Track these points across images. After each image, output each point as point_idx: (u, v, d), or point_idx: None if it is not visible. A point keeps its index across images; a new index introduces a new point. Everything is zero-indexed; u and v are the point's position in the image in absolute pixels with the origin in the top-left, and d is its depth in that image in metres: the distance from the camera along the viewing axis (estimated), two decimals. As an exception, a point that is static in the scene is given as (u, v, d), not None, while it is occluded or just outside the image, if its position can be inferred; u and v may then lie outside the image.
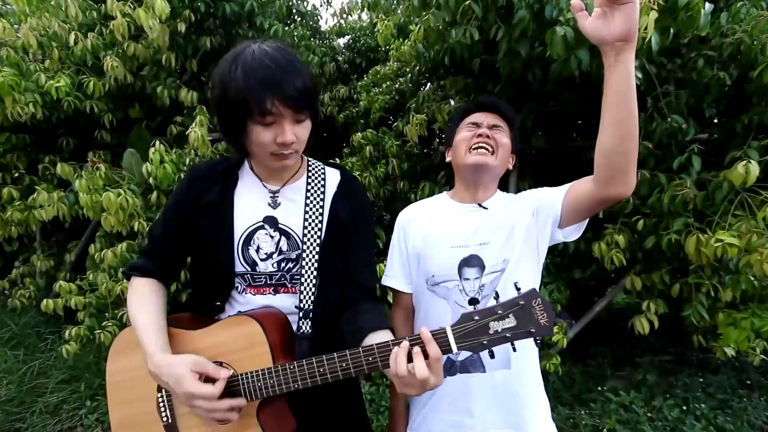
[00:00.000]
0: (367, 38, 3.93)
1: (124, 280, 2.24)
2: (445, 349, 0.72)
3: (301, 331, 0.88)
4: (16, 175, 2.94)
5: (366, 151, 2.72)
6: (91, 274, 2.52)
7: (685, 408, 2.22)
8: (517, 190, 2.43)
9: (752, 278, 1.65)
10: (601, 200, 0.90)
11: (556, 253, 2.32)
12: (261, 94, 0.75)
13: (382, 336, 0.81)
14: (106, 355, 2.56)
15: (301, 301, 0.90)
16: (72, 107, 2.39)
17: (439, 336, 0.72)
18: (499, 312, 0.72)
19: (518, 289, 0.75)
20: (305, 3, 3.79)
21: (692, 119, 1.79)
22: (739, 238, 1.46)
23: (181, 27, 2.52)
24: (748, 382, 2.48)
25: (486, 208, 1.06)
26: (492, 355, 0.75)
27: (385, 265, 1.14)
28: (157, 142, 2.42)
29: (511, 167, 1.12)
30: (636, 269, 2.08)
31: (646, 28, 1.22)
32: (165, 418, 0.85)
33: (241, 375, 0.79)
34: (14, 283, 3.36)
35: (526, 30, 1.56)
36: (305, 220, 0.91)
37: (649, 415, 2.16)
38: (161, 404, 0.86)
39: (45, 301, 2.30)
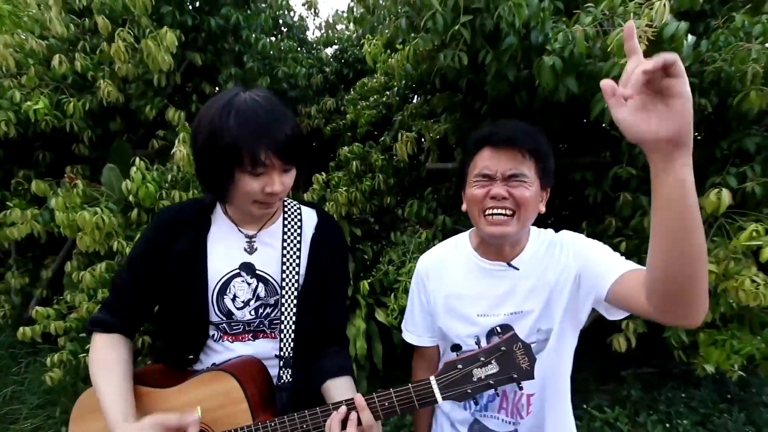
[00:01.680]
0: (354, 49, 3.92)
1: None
2: (430, 399, 0.72)
3: (282, 381, 0.86)
4: (-12, 190, 2.83)
5: (353, 166, 2.71)
6: (69, 294, 2.44)
7: (668, 425, 2.25)
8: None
9: (731, 301, 1.68)
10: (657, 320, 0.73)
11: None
12: (255, 145, 0.74)
13: (338, 384, 0.84)
14: (83, 376, 2.44)
15: (281, 349, 0.87)
16: (50, 126, 2.31)
17: (424, 387, 0.73)
18: (482, 359, 0.72)
19: (498, 334, 0.75)
20: (292, 14, 3.76)
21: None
22: (717, 264, 1.48)
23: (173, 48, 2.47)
24: (728, 396, 2.53)
25: (517, 269, 0.90)
26: (476, 403, 0.74)
27: (368, 282, 1.09)
28: (138, 159, 2.36)
29: (543, 209, 0.91)
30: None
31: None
32: None
33: None
34: (-12, 300, 3.24)
35: (514, 56, 1.56)
36: (283, 264, 0.89)
37: (632, 431, 2.18)
38: None
39: (21, 329, 2.21)
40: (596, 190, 2.06)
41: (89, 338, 0.88)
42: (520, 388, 0.74)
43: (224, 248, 0.89)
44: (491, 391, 0.77)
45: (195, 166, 0.84)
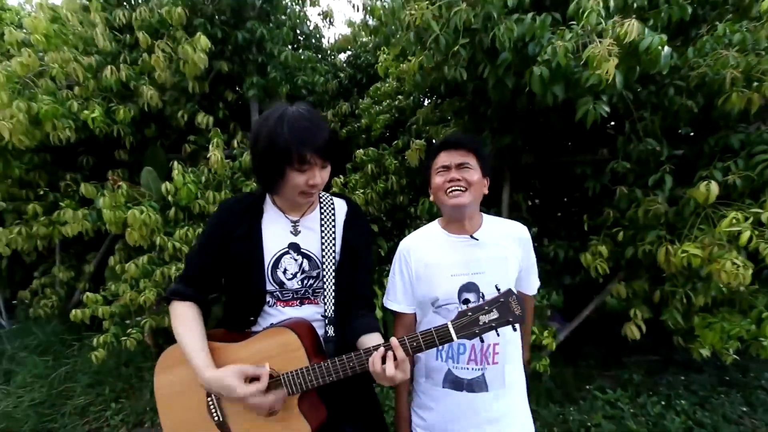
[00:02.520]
0: (367, 55, 4.12)
1: (146, 292, 2.42)
2: (448, 338, 0.92)
3: (328, 335, 1.08)
4: (40, 192, 3.12)
5: (368, 169, 2.91)
6: (113, 285, 2.70)
7: (666, 404, 2.39)
8: (511, 202, 2.63)
9: (721, 286, 1.83)
10: None
11: (547, 261, 2.50)
12: (302, 147, 0.97)
13: (371, 337, 1.02)
14: (126, 360, 2.72)
15: (325, 311, 1.09)
16: (103, 132, 2.58)
17: (443, 329, 0.93)
18: (486, 308, 0.94)
19: (498, 290, 0.96)
20: (308, 23, 3.98)
21: (665, 140, 1.97)
22: (703, 249, 1.64)
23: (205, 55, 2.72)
24: (727, 379, 2.66)
25: (477, 239, 1.17)
26: (482, 340, 0.96)
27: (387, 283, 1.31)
28: (176, 163, 2.61)
29: (486, 191, 1.22)
30: (620, 276, 2.26)
31: (608, 72, 1.41)
32: (216, 417, 1.03)
33: (283, 375, 0.97)
34: (35, 293, 3.54)
35: (511, 66, 1.74)
36: (322, 245, 1.10)
37: (632, 411, 2.34)
38: (211, 406, 1.04)
39: (74, 311, 2.48)
40: (595, 182, 2.22)
41: (167, 306, 1.09)
42: (515, 329, 0.94)
43: (275, 231, 1.09)
44: (463, 344, 1.11)
45: (253, 166, 1.06)
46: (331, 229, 1.12)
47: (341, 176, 2.97)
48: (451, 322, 0.93)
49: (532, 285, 1.28)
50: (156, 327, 2.61)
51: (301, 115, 0.99)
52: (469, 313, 0.93)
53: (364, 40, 4.08)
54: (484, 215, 1.26)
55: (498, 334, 0.96)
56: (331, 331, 1.08)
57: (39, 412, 2.41)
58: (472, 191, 1.14)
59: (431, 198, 1.23)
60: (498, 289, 0.95)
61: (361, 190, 2.79)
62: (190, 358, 0.98)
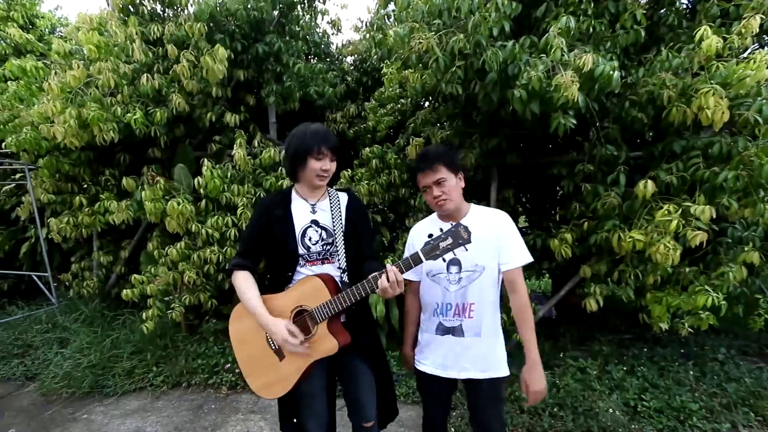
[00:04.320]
0: (372, 60, 4.47)
1: (187, 272, 2.83)
2: (418, 261, 1.29)
3: (343, 280, 1.49)
4: (84, 186, 3.54)
5: (372, 164, 3.29)
6: (152, 268, 3.12)
7: (629, 371, 2.79)
8: (499, 198, 3.01)
9: (665, 266, 2.21)
10: None
11: (528, 249, 2.88)
12: (319, 144, 1.42)
13: (373, 273, 1.42)
14: (160, 333, 3.16)
15: (340, 265, 1.51)
16: (142, 132, 2.98)
17: (414, 255, 1.29)
18: (443, 237, 1.28)
19: (451, 224, 1.30)
20: (318, 31, 4.33)
21: (625, 145, 2.34)
22: (645, 235, 2.02)
23: (225, 65, 3.10)
24: (685, 352, 3.05)
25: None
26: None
27: (392, 260, 1.70)
28: (206, 160, 3.01)
29: (463, 184, 1.51)
30: (591, 261, 2.64)
31: (573, 94, 1.78)
32: (273, 347, 1.45)
33: (314, 308, 1.38)
34: (75, 276, 3.98)
35: (497, 83, 2.12)
36: (332, 221, 1.52)
37: (598, 375, 2.73)
38: (269, 341, 1.46)
39: (125, 291, 2.91)
40: (569, 182, 2.60)
41: (229, 276, 1.51)
42: (467, 249, 1.28)
43: (300, 212, 1.50)
44: (449, 303, 1.46)
45: (286, 161, 1.50)
46: (338, 210, 1.54)
47: (349, 170, 3.36)
48: (420, 249, 1.29)
49: (512, 258, 1.44)
50: (189, 304, 3.03)
51: (318, 127, 1.46)
52: (432, 242, 1.29)
53: (357, 35, 4.41)
54: (472, 205, 1.59)
55: (454, 254, 1.31)
56: (345, 278, 1.50)
57: (95, 372, 2.84)
58: (454, 196, 1.47)
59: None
60: (451, 224, 1.29)
61: (366, 182, 3.18)
62: (253, 309, 1.40)
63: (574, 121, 2.00)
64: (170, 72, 3.07)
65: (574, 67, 1.80)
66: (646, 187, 2.00)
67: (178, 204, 2.81)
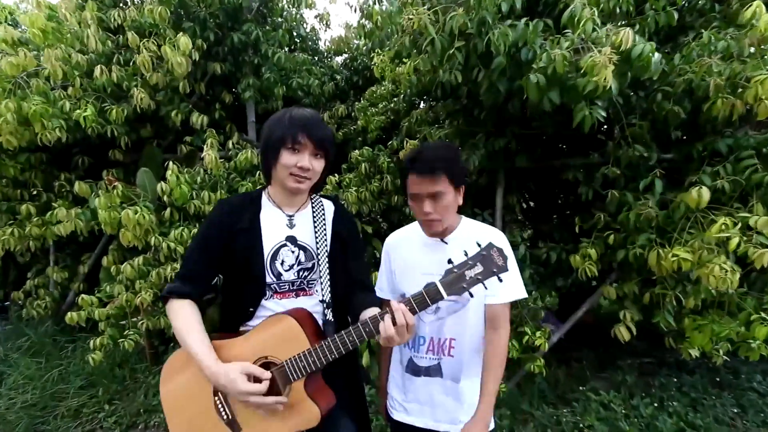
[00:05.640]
0: (363, 58, 4.14)
1: (142, 293, 2.41)
2: (439, 297, 0.94)
3: (326, 318, 1.12)
4: (34, 192, 3.12)
5: (362, 168, 2.92)
6: (107, 286, 2.69)
7: (659, 406, 2.42)
8: (505, 204, 2.65)
9: (710, 288, 1.85)
10: None
11: (540, 263, 2.52)
12: (296, 129, 1.05)
13: (369, 311, 1.05)
14: (120, 361, 2.70)
15: (323, 296, 1.13)
16: (95, 132, 2.58)
17: (432, 289, 0.94)
18: (470, 263, 0.95)
19: (479, 245, 0.97)
20: (305, 26, 4.00)
21: (654, 145, 2.00)
22: (693, 253, 1.66)
23: (196, 56, 2.72)
24: (719, 380, 2.68)
25: (446, 243, 1.21)
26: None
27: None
28: (171, 163, 2.61)
29: (461, 201, 1.19)
30: (612, 278, 2.28)
31: (606, 79, 1.43)
32: (225, 416, 1.04)
33: (286, 361, 0.99)
34: (29, 294, 3.52)
35: (505, 70, 1.76)
36: (315, 238, 1.15)
37: (625, 412, 2.35)
38: (219, 406, 1.05)
39: (69, 314, 2.47)
40: (587, 188, 2.25)
41: (164, 304, 1.10)
42: (500, 281, 0.95)
43: (272, 224, 1.14)
44: (423, 336, 1.19)
45: (260, 155, 1.14)
46: (322, 223, 1.18)
47: (336, 175, 2.99)
48: (440, 280, 0.95)
49: (501, 289, 1.14)
50: (153, 328, 2.61)
51: (305, 111, 1.10)
52: (455, 270, 0.94)
53: (359, 42, 4.11)
54: (464, 218, 1.27)
55: (485, 287, 0.96)
56: (329, 315, 1.12)
57: (31, 414, 2.40)
58: (448, 215, 1.16)
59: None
60: (479, 245, 0.96)
61: (355, 189, 2.81)
62: (194, 353, 1.00)
63: (604, 114, 1.65)
64: (131, 64, 2.68)
65: (611, 43, 1.45)
66: (700, 194, 1.64)
67: (135, 213, 2.40)
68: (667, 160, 2.15)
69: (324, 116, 3.65)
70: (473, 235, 1.21)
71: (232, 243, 1.10)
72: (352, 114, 3.71)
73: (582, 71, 1.49)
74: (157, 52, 2.53)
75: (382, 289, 1.33)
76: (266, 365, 1.01)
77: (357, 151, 3.04)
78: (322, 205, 1.22)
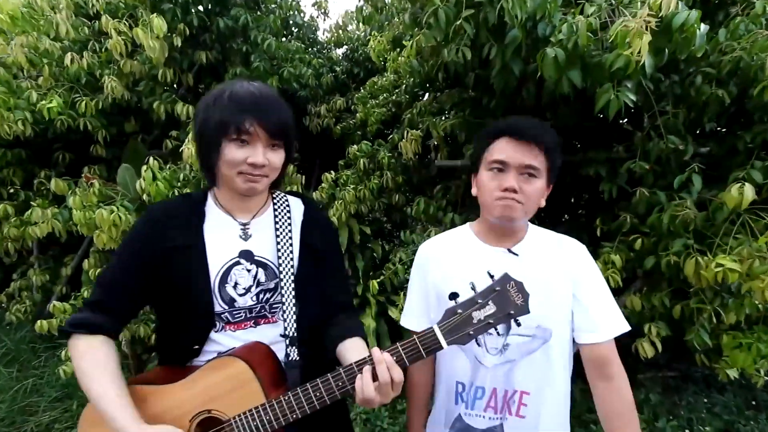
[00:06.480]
0: (364, 48, 3.92)
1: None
2: (436, 346, 0.74)
3: (290, 358, 0.87)
4: (12, 190, 2.94)
5: (360, 164, 2.70)
6: (86, 291, 2.51)
7: (689, 430, 2.16)
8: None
9: (756, 302, 1.59)
10: None
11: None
12: (242, 115, 0.80)
13: (350, 345, 0.86)
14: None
15: (285, 329, 0.89)
16: (65, 125, 2.38)
17: (428, 335, 0.74)
18: (480, 301, 0.74)
19: (491, 276, 0.76)
20: (302, 15, 3.78)
21: (690, 136, 1.74)
22: (741, 262, 1.41)
23: (177, 41, 2.51)
24: (754, 402, 2.41)
25: (516, 255, 0.93)
26: (478, 344, 0.78)
27: (378, 282, 1.11)
28: (151, 159, 2.41)
29: (543, 203, 0.96)
30: (636, 286, 2.03)
31: (639, 52, 1.18)
32: None
33: (234, 419, 0.77)
34: (12, 297, 3.36)
35: (519, 48, 1.52)
36: (278, 250, 0.90)
37: (651, 439, 2.10)
38: None
39: (39, 322, 2.29)
40: (611, 185, 1.99)
41: (66, 340, 0.84)
42: (518, 324, 0.75)
43: (221, 238, 0.90)
44: (482, 387, 0.89)
45: (196, 148, 0.89)
46: (287, 230, 0.93)
47: (332, 172, 2.77)
48: (438, 324, 0.74)
49: (602, 323, 0.89)
50: (136, 336, 2.42)
51: (251, 86, 0.84)
52: (459, 311, 0.74)
53: (357, 31, 3.89)
54: (531, 226, 1.01)
55: (498, 333, 0.79)
56: (294, 354, 0.87)
57: (-2, 430, 2.22)
58: (527, 207, 0.90)
59: (474, 191, 0.99)
60: (491, 275, 0.75)
61: (352, 187, 2.58)
62: (105, 412, 0.76)
63: (633, 97, 1.40)
64: (104, 50, 2.47)
65: (649, 4, 1.20)
66: (742, 192, 1.38)
67: (111, 212, 2.20)
68: (700, 155, 1.89)
69: (321, 109, 3.44)
70: (548, 248, 0.96)
71: (166, 265, 0.85)
72: (352, 107, 3.49)
73: (610, 42, 1.23)
74: (128, 35, 2.32)
75: (412, 316, 1.03)
76: (208, 423, 0.78)
77: (355, 146, 2.82)
78: (288, 206, 0.97)
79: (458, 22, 1.43)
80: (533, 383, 0.90)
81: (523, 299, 0.74)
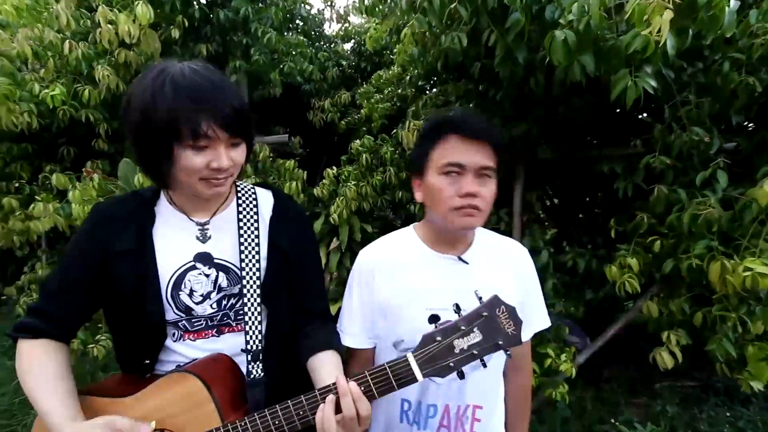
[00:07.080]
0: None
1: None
2: (410, 378, 0.65)
3: (252, 376, 0.79)
4: (17, 185, 2.97)
5: (363, 160, 2.62)
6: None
7: (709, 445, 2.01)
8: (523, 202, 2.28)
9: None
10: None
11: (565, 271, 2.15)
12: (195, 115, 0.67)
13: (323, 358, 0.79)
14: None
15: (247, 342, 0.80)
16: (68, 116, 2.37)
17: (402, 365, 0.65)
18: (463, 328, 0.65)
19: (480, 298, 0.67)
20: (307, 7, 3.72)
21: (716, 129, 1.60)
22: (771, 267, 1.27)
23: (175, 33, 2.47)
24: (782, 415, 2.24)
25: (467, 263, 0.88)
26: (462, 376, 0.67)
27: None
28: (150, 153, 2.38)
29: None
30: (653, 291, 1.89)
31: (659, 31, 1.06)
32: None
33: None
34: (21, 290, 3.40)
35: (523, 33, 1.41)
36: (241, 251, 0.81)
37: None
38: None
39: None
40: (627, 183, 1.86)
41: (14, 345, 0.78)
42: (509, 356, 0.67)
43: (173, 241, 0.81)
44: (434, 405, 0.82)
45: (132, 149, 0.76)
46: (252, 229, 0.83)
47: (334, 168, 2.70)
48: (413, 353, 0.65)
49: (536, 319, 0.95)
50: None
51: (194, 71, 0.70)
52: (438, 338, 0.64)
53: (356, 20, 3.80)
54: (479, 229, 0.94)
55: (484, 365, 0.70)
56: (257, 371, 0.79)
57: (-3, 423, 2.22)
58: (486, 209, 0.83)
59: (417, 196, 0.90)
60: (479, 297, 0.66)
61: (354, 182, 2.50)
62: (41, 411, 0.70)
63: (653, 83, 1.27)
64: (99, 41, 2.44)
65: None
66: (774, 188, 1.24)
67: (107, 207, 2.17)
68: (725, 150, 1.74)
69: (325, 103, 3.37)
70: (497, 252, 0.93)
71: (111, 269, 0.77)
72: (358, 102, 3.42)
73: (626, 22, 1.12)
74: (115, 21, 2.27)
75: (350, 333, 0.91)
76: None
77: (358, 141, 2.74)
78: (255, 200, 0.87)
79: (453, 5, 1.32)
80: (483, 395, 0.87)
81: (515, 327, 0.65)
